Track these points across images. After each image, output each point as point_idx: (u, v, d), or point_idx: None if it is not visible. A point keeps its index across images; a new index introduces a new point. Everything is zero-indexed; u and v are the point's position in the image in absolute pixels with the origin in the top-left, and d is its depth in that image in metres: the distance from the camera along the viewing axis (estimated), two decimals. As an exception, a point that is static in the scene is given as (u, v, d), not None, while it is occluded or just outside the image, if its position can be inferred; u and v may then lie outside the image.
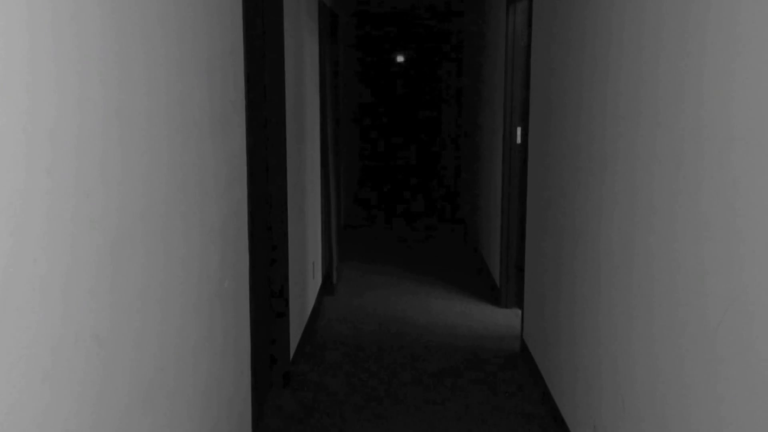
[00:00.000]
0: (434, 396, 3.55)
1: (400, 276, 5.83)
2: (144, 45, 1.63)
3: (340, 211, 6.21)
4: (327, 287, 5.27)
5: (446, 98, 10.73)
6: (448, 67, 10.42)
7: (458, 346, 4.23)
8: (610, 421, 2.47)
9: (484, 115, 6.06)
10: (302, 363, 3.96)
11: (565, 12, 3.14)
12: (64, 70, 1.26)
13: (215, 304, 2.28)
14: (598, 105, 2.64)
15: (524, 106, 4.41)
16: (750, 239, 1.50)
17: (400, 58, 11.60)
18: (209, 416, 2.22)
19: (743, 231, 1.54)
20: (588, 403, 2.75)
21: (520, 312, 4.67)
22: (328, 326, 4.60)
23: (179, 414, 1.92)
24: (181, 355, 1.93)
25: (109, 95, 1.44)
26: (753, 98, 1.50)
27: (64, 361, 1.26)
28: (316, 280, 4.82)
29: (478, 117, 6.60)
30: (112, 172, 1.46)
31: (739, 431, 1.55)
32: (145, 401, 1.66)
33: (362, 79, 10.89)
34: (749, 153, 1.51)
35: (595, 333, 2.66)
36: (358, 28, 9.85)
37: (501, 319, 4.77)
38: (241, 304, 2.66)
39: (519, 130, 4.71)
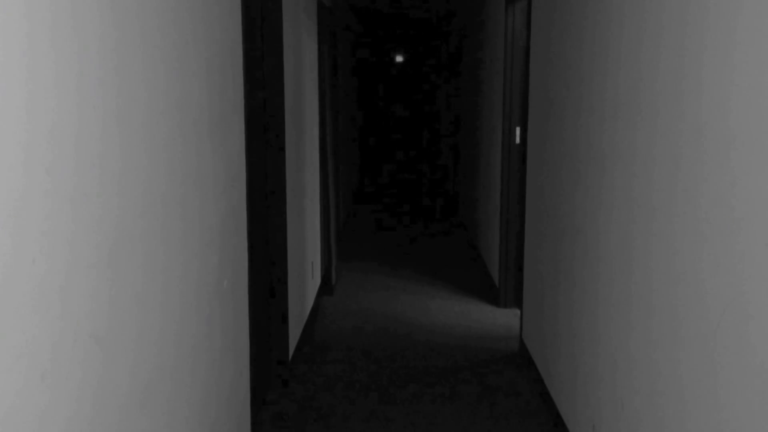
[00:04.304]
0: (433, 396, 3.54)
1: (399, 276, 5.83)
2: (143, 45, 1.63)
3: (339, 211, 6.21)
4: (326, 287, 5.27)
5: (445, 98, 10.74)
6: (447, 66, 10.42)
7: (457, 346, 4.23)
8: (609, 422, 2.47)
9: (483, 115, 6.07)
10: (301, 363, 3.96)
11: (564, 12, 3.15)
12: (63, 69, 1.26)
13: (214, 304, 2.28)
14: (597, 105, 2.64)
15: (523, 106, 4.41)
16: (749, 240, 1.51)
17: (399, 58, 11.60)
18: (208, 416, 2.22)
19: (742, 231, 1.54)
20: (587, 403, 2.75)
21: (519, 312, 4.67)
22: (326, 326, 4.60)
23: (178, 414, 1.92)
24: (180, 355, 1.93)
25: (109, 95, 1.44)
26: (753, 98, 1.50)
27: (63, 361, 1.26)
28: (315, 280, 4.82)
29: (477, 117, 6.60)
30: (111, 172, 1.46)
31: (738, 432, 1.55)
32: (143, 401, 1.65)
33: (361, 78, 10.89)
34: (749, 153, 1.51)
35: (594, 333, 2.66)
36: (357, 29, 9.84)
37: (500, 319, 4.77)
38: (240, 304, 2.66)
39: (518, 130, 4.71)
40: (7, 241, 1.09)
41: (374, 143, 11.73)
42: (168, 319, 1.82)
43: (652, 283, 2.06)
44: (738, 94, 1.56)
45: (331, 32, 5.71)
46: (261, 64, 3.29)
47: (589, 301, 2.73)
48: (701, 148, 1.74)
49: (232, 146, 2.49)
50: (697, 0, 1.78)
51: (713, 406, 1.67)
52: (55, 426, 1.24)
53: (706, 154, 1.72)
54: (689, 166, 1.81)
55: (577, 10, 2.93)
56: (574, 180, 2.96)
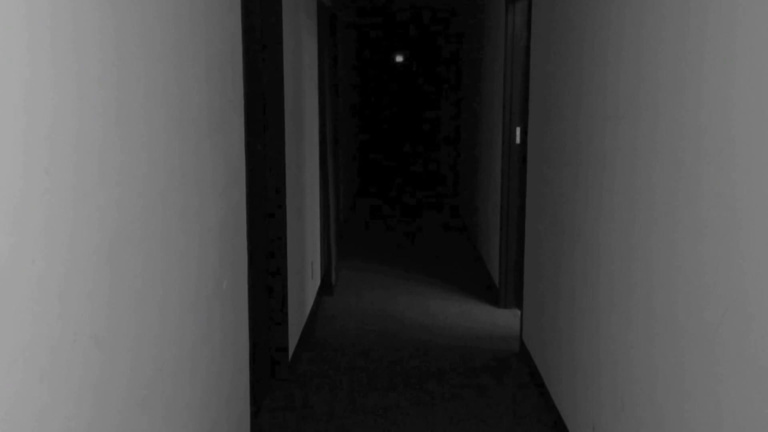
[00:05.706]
0: (433, 396, 3.54)
1: (399, 276, 5.82)
2: (143, 45, 1.63)
3: (338, 211, 6.21)
4: (325, 287, 5.27)
5: (445, 98, 10.74)
6: (447, 67, 10.43)
7: (457, 347, 4.23)
8: (609, 422, 2.47)
9: (484, 115, 6.06)
10: (300, 363, 3.96)
11: (564, 12, 3.14)
12: (63, 70, 1.26)
13: (214, 304, 2.27)
14: (597, 105, 2.64)
15: (523, 106, 4.41)
16: (749, 240, 1.50)
17: (399, 58, 11.60)
18: (208, 416, 2.22)
19: (743, 231, 1.53)
20: (587, 403, 2.75)
21: (519, 312, 4.67)
22: (326, 327, 4.60)
23: (178, 414, 1.92)
24: (180, 356, 1.92)
25: (108, 95, 1.44)
26: (753, 98, 1.50)
27: (63, 361, 1.26)
28: (314, 280, 4.82)
29: (477, 117, 6.60)
30: (110, 172, 1.45)
31: (739, 432, 1.55)
32: (143, 401, 1.65)
33: (361, 79, 10.89)
34: (749, 153, 1.51)
35: (595, 333, 2.66)
36: (357, 28, 9.85)
37: (500, 319, 4.77)
38: (240, 304, 2.66)
39: (518, 130, 4.71)
40: (6, 241, 1.08)
41: (374, 143, 11.73)
42: (167, 319, 1.82)
43: (652, 283, 2.06)
44: (739, 94, 1.56)
45: (332, 32, 5.71)
46: (261, 64, 3.29)
47: (590, 301, 2.73)
48: (702, 147, 1.74)
49: (232, 145, 2.49)
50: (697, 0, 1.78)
51: (714, 406, 1.67)
52: (53, 427, 1.24)
53: (706, 153, 1.71)
54: (690, 165, 1.81)
55: (578, 9, 2.92)
56: (575, 180, 2.96)
